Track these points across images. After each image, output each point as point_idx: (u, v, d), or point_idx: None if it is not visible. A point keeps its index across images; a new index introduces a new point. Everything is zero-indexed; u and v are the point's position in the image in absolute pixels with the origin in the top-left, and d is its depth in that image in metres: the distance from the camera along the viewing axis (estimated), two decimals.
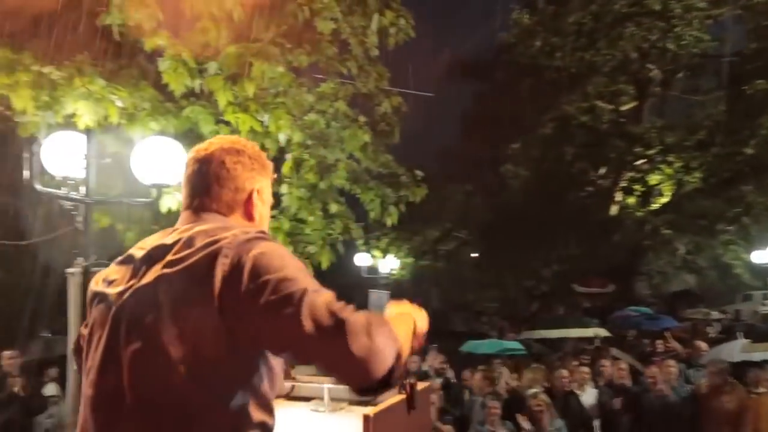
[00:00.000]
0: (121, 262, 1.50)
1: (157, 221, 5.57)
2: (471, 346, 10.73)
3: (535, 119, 19.28)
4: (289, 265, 1.29)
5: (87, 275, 4.60)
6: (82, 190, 4.65)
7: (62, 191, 4.56)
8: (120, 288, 1.42)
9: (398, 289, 16.29)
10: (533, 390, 6.09)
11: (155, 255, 1.40)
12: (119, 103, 4.84)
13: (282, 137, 5.25)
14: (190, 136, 5.30)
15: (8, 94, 4.22)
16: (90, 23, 4.60)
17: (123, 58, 4.93)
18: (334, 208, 5.87)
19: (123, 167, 4.98)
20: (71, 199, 4.62)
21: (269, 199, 1.63)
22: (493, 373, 7.24)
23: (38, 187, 4.38)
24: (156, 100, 5.13)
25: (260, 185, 1.59)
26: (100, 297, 1.47)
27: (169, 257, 1.36)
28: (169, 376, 1.28)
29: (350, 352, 1.18)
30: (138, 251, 1.48)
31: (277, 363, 1.39)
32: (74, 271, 4.55)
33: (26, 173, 4.33)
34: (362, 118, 5.62)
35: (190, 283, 1.29)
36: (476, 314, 20.75)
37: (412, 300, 1.61)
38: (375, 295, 2.00)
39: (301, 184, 5.41)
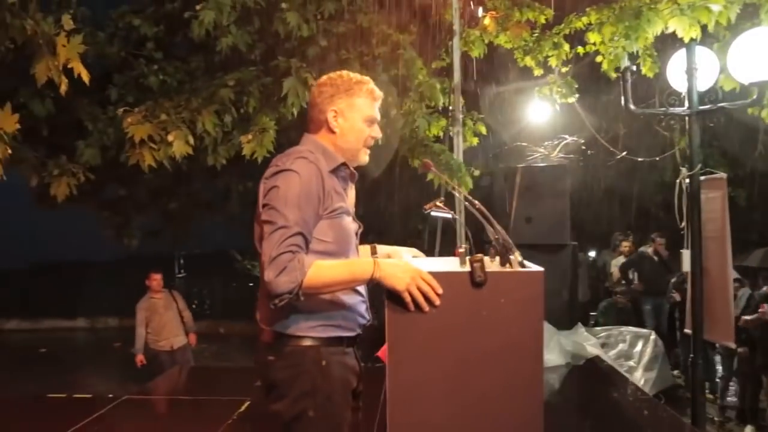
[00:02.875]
0: None
1: None
2: None
3: None
4: (284, 199, 1.88)
5: (694, 183, 4.85)
6: (686, 103, 4.86)
7: (661, 109, 4.94)
8: None
9: None
10: None
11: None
12: (715, 8, 4.75)
13: None
14: None
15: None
16: None
17: None
18: None
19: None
20: (671, 114, 4.92)
21: (356, 115, 2.08)
22: None
23: (632, 108, 4.89)
24: None
25: (340, 106, 2.07)
26: None
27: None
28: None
29: (263, 273, 1.81)
30: None
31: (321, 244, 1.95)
32: (681, 180, 4.88)
33: (623, 99, 4.91)
34: None
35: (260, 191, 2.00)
36: None
37: None
38: None
39: None
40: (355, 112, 2.09)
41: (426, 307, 1.84)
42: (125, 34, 6.63)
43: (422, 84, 5.62)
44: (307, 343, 1.97)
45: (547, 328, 5.86)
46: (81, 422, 4.20)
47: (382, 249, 2.37)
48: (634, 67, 4.97)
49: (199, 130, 4.99)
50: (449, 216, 2.20)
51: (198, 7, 5.01)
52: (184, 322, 7.11)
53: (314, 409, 1.93)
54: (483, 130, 6.67)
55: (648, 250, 8.37)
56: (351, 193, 2.20)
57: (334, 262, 1.93)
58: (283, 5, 5.51)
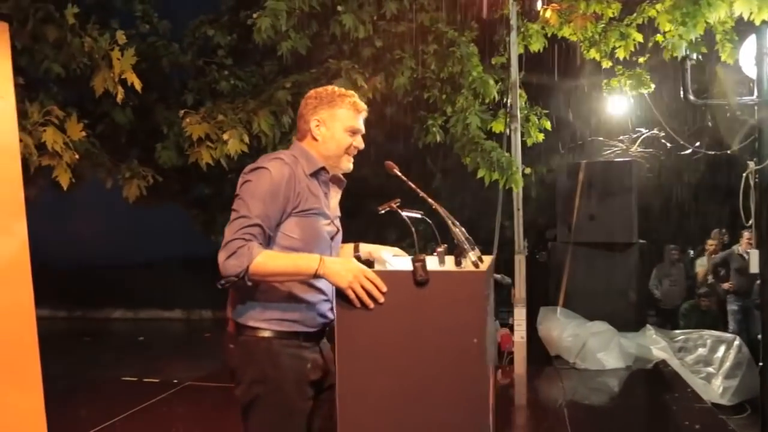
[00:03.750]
0: None
1: None
2: None
3: None
4: (251, 193, 2.04)
5: (764, 178, 4.53)
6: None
7: (722, 100, 4.65)
8: None
9: None
10: None
11: None
12: None
13: None
14: None
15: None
16: None
17: None
18: None
19: None
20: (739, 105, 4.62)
21: (338, 125, 2.21)
22: None
23: (691, 98, 4.63)
24: None
25: (322, 116, 2.21)
26: None
27: None
28: None
29: (219, 257, 1.96)
30: None
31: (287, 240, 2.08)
32: (749, 174, 4.57)
33: (681, 89, 4.67)
34: None
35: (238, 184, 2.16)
36: None
37: None
38: None
39: None
40: (336, 122, 2.22)
41: (370, 304, 1.90)
42: (201, 43, 7.03)
43: (475, 80, 5.57)
44: (262, 334, 2.10)
45: (608, 330, 5.65)
46: (143, 404, 4.59)
47: (364, 247, 2.44)
48: (694, 56, 4.70)
49: (255, 130, 5.25)
50: (418, 216, 2.22)
51: (255, 15, 5.25)
52: None
53: (265, 396, 2.05)
54: (548, 125, 6.50)
55: (739, 248, 7.79)
56: (335, 198, 2.32)
57: (283, 254, 2.05)
58: (339, 8, 5.66)
